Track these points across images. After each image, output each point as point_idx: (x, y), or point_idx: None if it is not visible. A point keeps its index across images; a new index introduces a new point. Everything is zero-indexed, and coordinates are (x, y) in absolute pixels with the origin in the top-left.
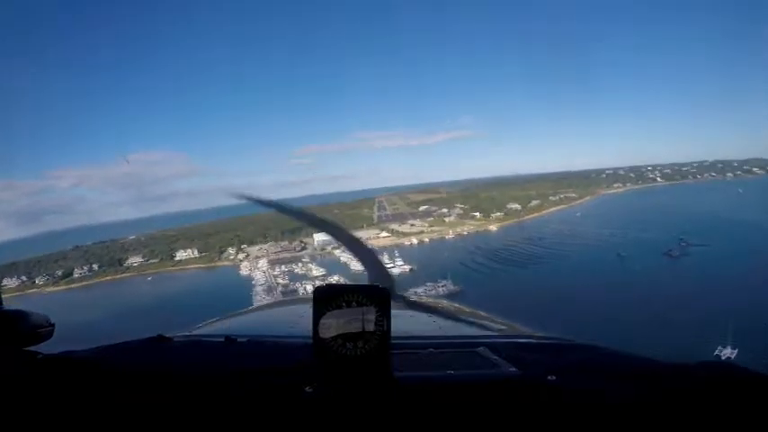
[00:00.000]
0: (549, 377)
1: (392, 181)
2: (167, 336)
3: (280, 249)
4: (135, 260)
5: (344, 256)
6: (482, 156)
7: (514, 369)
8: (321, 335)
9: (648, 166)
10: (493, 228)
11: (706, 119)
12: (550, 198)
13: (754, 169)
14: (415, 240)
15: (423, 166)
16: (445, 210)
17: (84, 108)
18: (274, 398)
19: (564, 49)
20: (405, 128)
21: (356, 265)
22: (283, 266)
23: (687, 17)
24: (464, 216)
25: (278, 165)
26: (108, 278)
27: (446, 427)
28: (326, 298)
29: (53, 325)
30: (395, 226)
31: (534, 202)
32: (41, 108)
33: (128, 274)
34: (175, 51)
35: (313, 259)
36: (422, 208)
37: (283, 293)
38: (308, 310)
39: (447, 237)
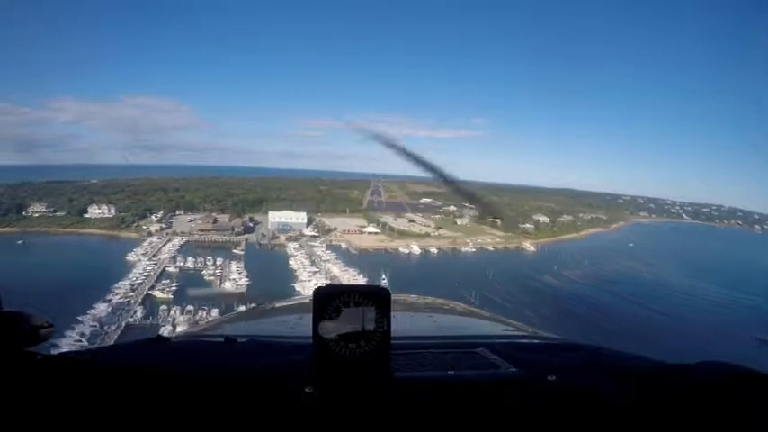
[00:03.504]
0: (549, 377)
1: (392, 168)
2: (166, 336)
3: (211, 228)
4: (37, 209)
5: (297, 260)
6: (489, 160)
7: (514, 369)
8: (321, 335)
9: (668, 200)
10: (529, 246)
11: (724, 165)
12: (581, 215)
13: None
14: (416, 248)
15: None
16: (454, 207)
17: (92, 41)
18: (275, 398)
19: (590, 72)
20: (413, 116)
21: (303, 283)
22: (191, 258)
23: (722, 64)
24: (482, 220)
25: (285, 133)
26: None
27: (446, 427)
28: (327, 298)
29: (53, 325)
30: (388, 218)
31: (566, 218)
32: (47, 35)
33: (9, 229)
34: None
35: (255, 245)
36: (423, 200)
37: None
38: (308, 311)
39: (465, 249)
